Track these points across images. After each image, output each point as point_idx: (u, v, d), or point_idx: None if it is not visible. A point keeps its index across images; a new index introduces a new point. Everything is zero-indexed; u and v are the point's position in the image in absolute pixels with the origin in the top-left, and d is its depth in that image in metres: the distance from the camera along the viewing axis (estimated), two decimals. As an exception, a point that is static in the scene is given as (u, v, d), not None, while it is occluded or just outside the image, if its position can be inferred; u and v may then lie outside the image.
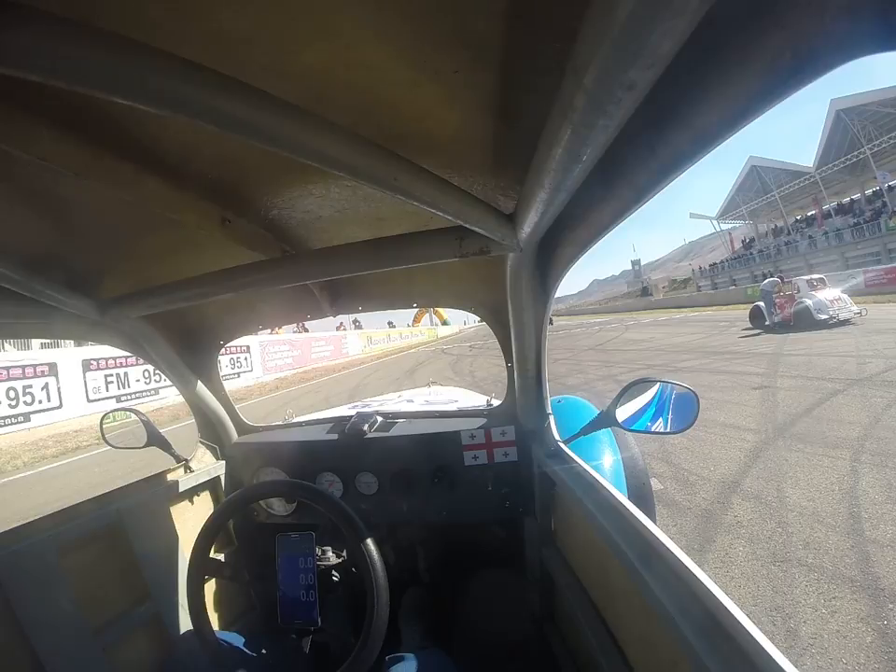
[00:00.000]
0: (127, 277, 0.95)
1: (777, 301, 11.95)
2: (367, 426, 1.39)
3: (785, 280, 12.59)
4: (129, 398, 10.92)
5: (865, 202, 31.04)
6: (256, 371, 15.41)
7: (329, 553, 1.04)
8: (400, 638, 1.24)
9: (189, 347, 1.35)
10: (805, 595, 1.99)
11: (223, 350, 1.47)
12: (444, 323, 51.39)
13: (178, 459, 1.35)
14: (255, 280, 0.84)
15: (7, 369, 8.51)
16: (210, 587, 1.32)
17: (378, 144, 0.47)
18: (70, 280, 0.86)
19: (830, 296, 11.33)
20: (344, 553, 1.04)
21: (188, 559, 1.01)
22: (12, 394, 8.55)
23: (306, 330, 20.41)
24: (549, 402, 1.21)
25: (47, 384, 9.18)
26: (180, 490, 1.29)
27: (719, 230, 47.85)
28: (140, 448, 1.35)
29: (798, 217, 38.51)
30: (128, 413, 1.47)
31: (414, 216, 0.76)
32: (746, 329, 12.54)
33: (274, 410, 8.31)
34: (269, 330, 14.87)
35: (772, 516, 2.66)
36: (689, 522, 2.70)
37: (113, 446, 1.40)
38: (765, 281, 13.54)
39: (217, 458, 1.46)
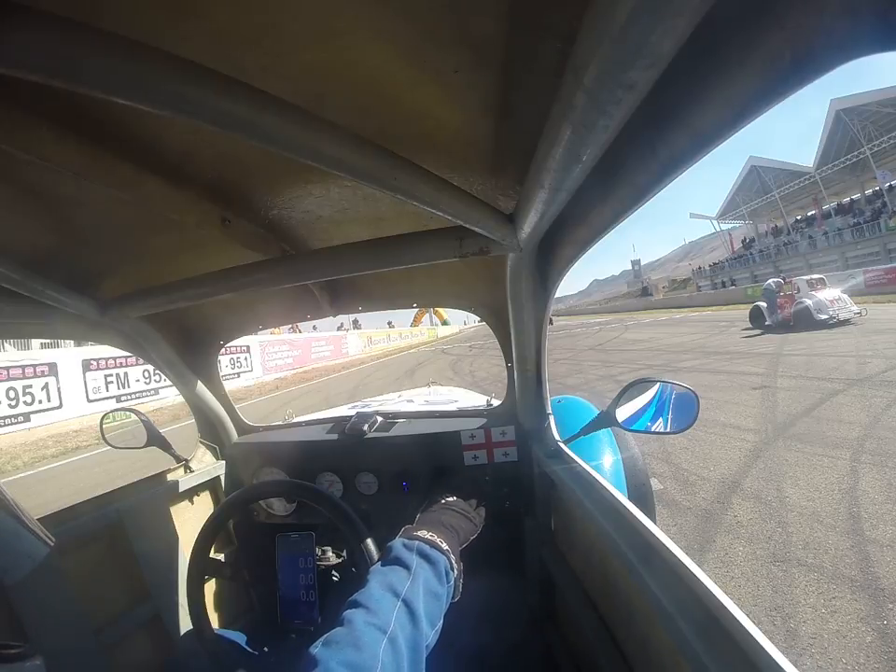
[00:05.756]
0: (127, 277, 0.95)
1: (778, 300, 11.96)
2: (367, 426, 1.38)
3: (787, 280, 12.61)
4: (129, 398, 10.93)
5: (865, 202, 31.06)
6: (256, 371, 15.42)
7: (329, 553, 1.04)
8: None
9: (189, 347, 1.35)
10: (804, 594, 1.99)
11: (223, 350, 1.47)
12: (444, 323, 51.45)
13: (178, 459, 1.35)
14: (255, 280, 0.84)
15: (7, 369, 8.52)
16: (210, 587, 1.32)
17: (378, 144, 0.47)
18: (70, 280, 0.86)
19: (830, 296, 11.34)
20: (344, 553, 1.04)
21: (188, 559, 1.01)
22: (12, 394, 8.56)
23: (299, 331, 20.43)
24: (549, 402, 1.21)
25: (47, 384, 9.18)
26: (180, 490, 1.29)
27: (719, 230, 47.91)
28: (140, 448, 1.35)
29: (798, 217, 38.55)
30: (128, 413, 1.47)
31: (414, 216, 0.76)
32: (746, 329, 12.54)
33: (275, 410, 8.31)
34: (269, 330, 14.91)
35: (772, 516, 2.66)
36: (689, 522, 2.70)
37: (113, 446, 1.40)
38: (769, 280, 13.58)
39: (217, 458, 1.46)
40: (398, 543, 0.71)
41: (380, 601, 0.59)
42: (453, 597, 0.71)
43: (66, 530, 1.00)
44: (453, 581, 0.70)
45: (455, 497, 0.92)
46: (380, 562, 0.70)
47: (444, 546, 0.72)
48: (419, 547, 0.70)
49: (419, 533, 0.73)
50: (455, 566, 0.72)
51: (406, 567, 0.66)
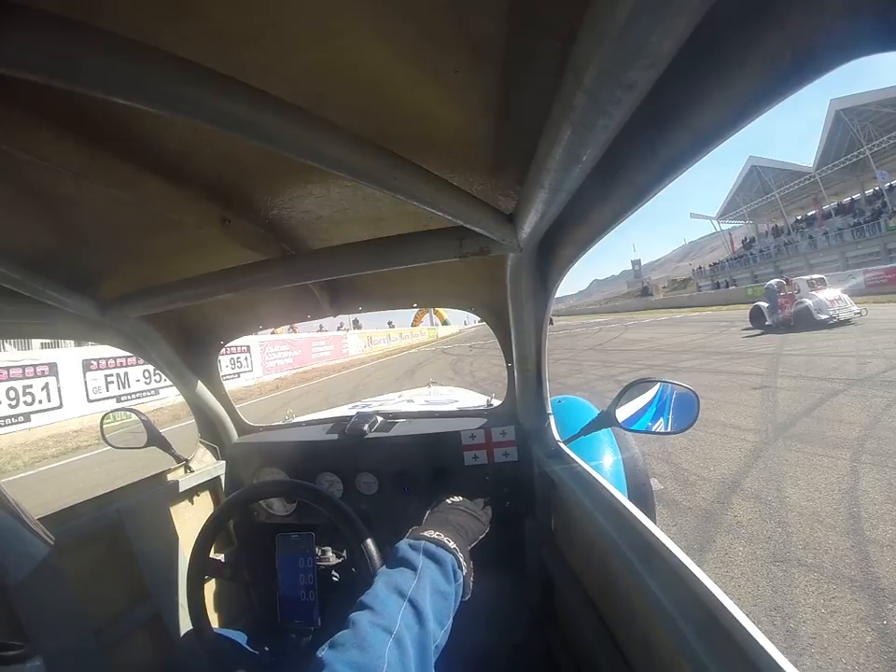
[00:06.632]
0: (127, 277, 0.95)
1: (778, 300, 11.97)
2: (367, 426, 1.38)
3: (787, 280, 12.65)
4: (129, 398, 10.92)
5: (865, 202, 31.07)
6: (256, 371, 15.42)
7: (329, 553, 1.04)
8: None
9: (189, 347, 1.35)
10: (804, 594, 1.99)
11: (223, 350, 1.47)
12: (444, 323, 51.46)
13: (178, 459, 1.35)
14: (255, 280, 0.84)
15: (7, 369, 8.51)
16: (210, 587, 1.32)
17: (378, 144, 0.47)
18: (70, 280, 0.86)
19: (830, 296, 11.35)
20: (344, 553, 1.04)
21: (188, 559, 1.01)
22: (12, 394, 8.55)
23: (295, 331, 20.41)
24: (549, 402, 1.21)
25: (47, 384, 9.18)
26: (180, 490, 1.29)
27: (719, 230, 47.93)
28: (140, 448, 1.35)
29: (798, 217, 38.58)
30: (128, 413, 1.47)
31: (414, 216, 0.76)
32: (746, 329, 12.55)
33: (275, 410, 8.31)
34: (269, 330, 14.92)
35: (772, 516, 2.66)
36: (689, 522, 2.70)
37: (113, 446, 1.40)
38: (771, 280, 13.72)
39: (218, 458, 1.46)
40: (403, 544, 0.71)
41: (385, 602, 0.59)
42: (463, 596, 0.70)
43: (66, 530, 1.00)
44: (461, 580, 0.70)
45: (461, 498, 0.92)
46: (386, 564, 0.69)
47: (451, 545, 0.72)
48: (425, 547, 0.69)
49: (425, 533, 0.73)
50: (463, 564, 0.71)
51: (412, 567, 0.65)
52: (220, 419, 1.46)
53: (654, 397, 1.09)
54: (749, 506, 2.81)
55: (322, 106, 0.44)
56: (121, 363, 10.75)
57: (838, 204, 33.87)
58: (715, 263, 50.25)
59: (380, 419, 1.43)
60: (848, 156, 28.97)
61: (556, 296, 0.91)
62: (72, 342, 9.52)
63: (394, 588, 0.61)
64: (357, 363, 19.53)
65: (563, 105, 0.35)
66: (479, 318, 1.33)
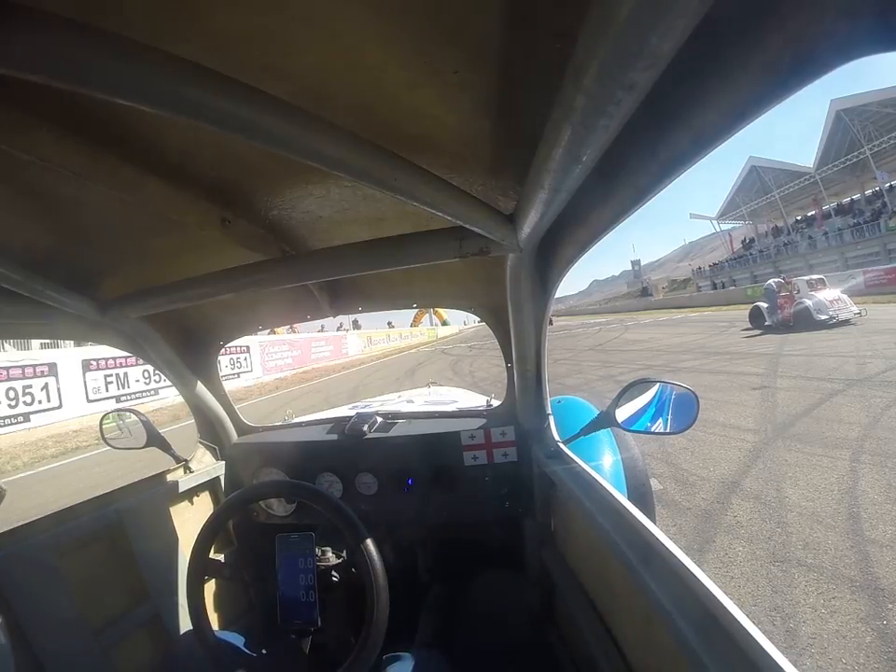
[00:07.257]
0: (127, 277, 0.95)
1: (778, 301, 11.97)
2: (367, 426, 1.39)
3: (787, 280, 12.66)
4: (129, 398, 10.90)
5: (865, 202, 31.09)
6: (256, 372, 15.40)
7: (329, 554, 1.04)
8: (402, 636, 1.24)
9: (189, 347, 1.35)
10: (804, 595, 1.99)
11: (223, 350, 1.47)
12: (444, 323, 51.43)
13: (178, 460, 1.35)
14: (255, 280, 0.84)
15: (7, 369, 8.50)
16: (210, 587, 1.32)
17: (378, 144, 0.47)
18: (70, 280, 0.86)
19: (829, 296, 11.35)
20: (344, 554, 1.04)
21: (187, 559, 1.01)
22: (12, 394, 8.54)
23: (295, 331, 20.37)
24: (549, 403, 1.21)
25: (47, 384, 9.17)
26: (180, 490, 1.29)
27: (719, 230, 47.93)
28: (140, 448, 1.35)
29: (798, 218, 38.57)
30: (128, 413, 1.47)
31: (414, 216, 0.76)
32: (745, 330, 12.54)
33: (275, 410, 8.31)
34: (268, 330, 14.89)
35: (771, 516, 2.66)
36: (688, 522, 2.70)
37: (113, 447, 1.40)
38: (770, 280, 13.71)
39: (217, 459, 1.46)
40: None
41: None
42: None
43: (66, 530, 1.00)
44: None
45: None
46: None
47: None
48: None
49: None
50: None
51: None
52: (220, 419, 1.46)
53: (654, 397, 1.09)
54: (749, 506, 2.81)
55: (322, 107, 0.44)
56: (121, 363, 10.73)
57: (838, 205, 33.86)
58: (715, 263, 50.25)
59: (379, 419, 1.44)
60: (849, 156, 28.96)
61: (556, 296, 0.91)
62: (72, 342, 9.51)
63: None
64: (356, 363, 19.51)
65: (563, 105, 0.35)
66: (478, 319, 1.33)
